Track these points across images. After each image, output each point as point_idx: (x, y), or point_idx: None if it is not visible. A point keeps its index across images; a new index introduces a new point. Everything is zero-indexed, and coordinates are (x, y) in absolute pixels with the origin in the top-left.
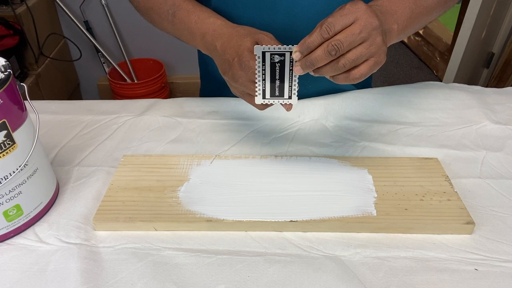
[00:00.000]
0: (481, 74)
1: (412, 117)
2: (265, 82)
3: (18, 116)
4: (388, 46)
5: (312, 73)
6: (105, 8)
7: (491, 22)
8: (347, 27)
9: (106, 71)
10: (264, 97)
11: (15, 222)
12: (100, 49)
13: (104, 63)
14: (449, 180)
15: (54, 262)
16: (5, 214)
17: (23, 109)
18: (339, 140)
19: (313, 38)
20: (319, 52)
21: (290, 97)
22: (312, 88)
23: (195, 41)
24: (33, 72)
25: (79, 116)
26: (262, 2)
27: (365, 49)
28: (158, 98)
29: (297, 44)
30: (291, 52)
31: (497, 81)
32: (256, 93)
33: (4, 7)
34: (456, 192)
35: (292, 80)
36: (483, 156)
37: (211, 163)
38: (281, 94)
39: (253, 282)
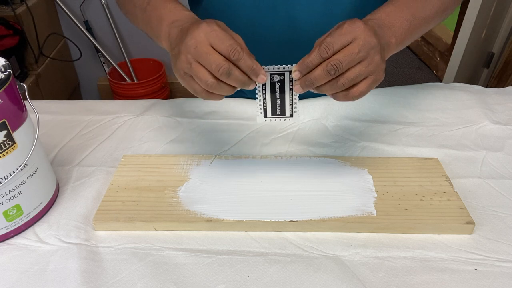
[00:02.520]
0: (481, 74)
1: (412, 117)
2: (266, 102)
3: (18, 116)
4: (386, 59)
5: (312, 90)
6: (105, 8)
7: (491, 22)
8: (345, 47)
9: (106, 71)
10: (265, 116)
11: (15, 222)
12: (100, 49)
13: (104, 63)
14: (449, 180)
15: (54, 262)
16: (5, 214)
17: (23, 109)
18: (339, 140)
19: (312, 57)
20: (318, 71)
21: (291, 115)
22: None
23: (160, 27)
24: (33, 72)
25: (79, 116)
26: (261, 1)
27: (364, 68)
28: (158, 98)
29: (296, 53)
30: (290, 72)
31: (497, 81)
32: (258, 112)
33: (4, 7)
34: (456, 192)
35: (292, 98)
36: (483, 156)
37: (211, 163)
38: (283, 112)
39: (253, 282)
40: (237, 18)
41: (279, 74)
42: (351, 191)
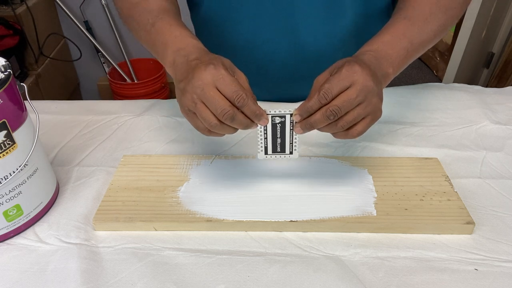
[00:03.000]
0: (481, 74)
1: (412, 117)
2: (267, 140)
3: (18, 116)
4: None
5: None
6: (105, 8)
7: (491, 22)
8: (344, 91)
9: (106, 71)
10: (266, 153)
11: (15, 222)
12: (100, 49)
13: (104, 63)
14: (449, 180)
15: (54, 262)
16: (5, 214)
17: (23, 109)
18: (339, 140)
19: (312, 103)
20: (318, 116)
21: (291, 153)
22: None
23: (165, 53)
24: (33, 72)
25: (79, 116)
26: (262, 6)
27: (362, 110)
28: (158, 98)
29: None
30: (291, 114)
31: (497, 81)
32: (259, 149)
33: (4, 7)
34: (456, 192)
35: (292, 138)
36: (483, 156)
37: (211, 163)
38: (283, 150)
39: (253, 282)
40: (237, 28)
41: (280, 117)
42: (351, 191)
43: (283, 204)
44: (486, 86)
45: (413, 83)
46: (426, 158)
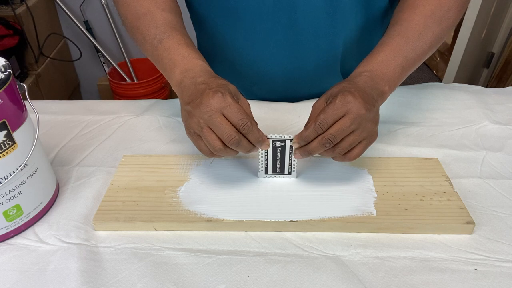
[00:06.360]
0: (481, 74)
1: (412, 117)
2: (267, 162)
3: (18, 116)
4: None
5: None
6: (105, 8)
7: (491, 22)
8: (338, 120)
9: (106, 71)
10: (266, 173)
11: (15, 222)
12: (100, 49)
13: (104, 63)
14: (449, 180)
15: (54, 262)
16: (5, 214)
17: (23, 109)
18: None
19: (309, 132)
20: (315, 144)
21: (290, 173)
22: (312, 90)
23: (172, 72)
24: (33, 72)
25: (79, 116)
26: (262, 7)
27: (357, 136)
28: (158, 98)
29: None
30: (291, 139)
31: (497, 81)
32: (259, 169)
33: (4, 7)
34: (456, 192)
35: (291, 161)
36: (483, 156)
37: (211, 163)
38: (282, 171)
39: (253, 282)
40: (234, 28)
41: (281, 141)
42: (351, 191)
43: (283, 204)
44: (486, 86)
45: (413, 83)
46: (426, 158)
